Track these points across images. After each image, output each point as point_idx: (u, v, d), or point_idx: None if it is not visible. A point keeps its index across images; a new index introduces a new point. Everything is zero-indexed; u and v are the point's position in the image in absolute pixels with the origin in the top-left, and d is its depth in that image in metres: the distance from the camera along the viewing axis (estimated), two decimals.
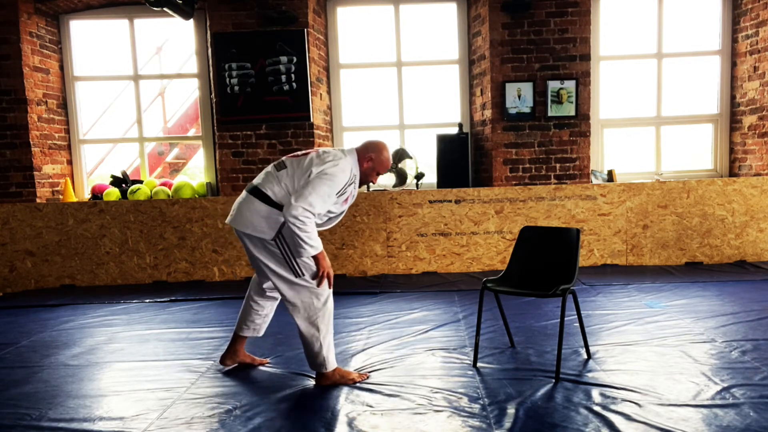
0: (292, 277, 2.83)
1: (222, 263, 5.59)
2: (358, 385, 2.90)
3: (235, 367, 3.24)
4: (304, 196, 2.67)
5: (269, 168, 2.92)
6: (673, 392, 2.67)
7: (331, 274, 2.87)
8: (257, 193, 2.83)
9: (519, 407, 2.57)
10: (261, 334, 3.24)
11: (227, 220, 2.96)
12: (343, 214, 3.01)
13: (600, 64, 5.97)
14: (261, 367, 3.24)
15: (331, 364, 2.91)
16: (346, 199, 2.90)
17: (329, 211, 2.87)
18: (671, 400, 2.58)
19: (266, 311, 3.18)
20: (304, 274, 2.83)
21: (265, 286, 3.10)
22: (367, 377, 2.99)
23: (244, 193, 2.91)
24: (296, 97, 5.66)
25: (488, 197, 5.54)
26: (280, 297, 3.14)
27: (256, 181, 2.91)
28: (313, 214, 2.69)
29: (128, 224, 5.54)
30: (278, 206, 2.79)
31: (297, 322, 2.87)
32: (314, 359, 2.90)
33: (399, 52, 6.03)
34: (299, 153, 2.94)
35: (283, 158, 2.93)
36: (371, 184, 3.07)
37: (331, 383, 2.91)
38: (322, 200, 2.71)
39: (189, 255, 5.58)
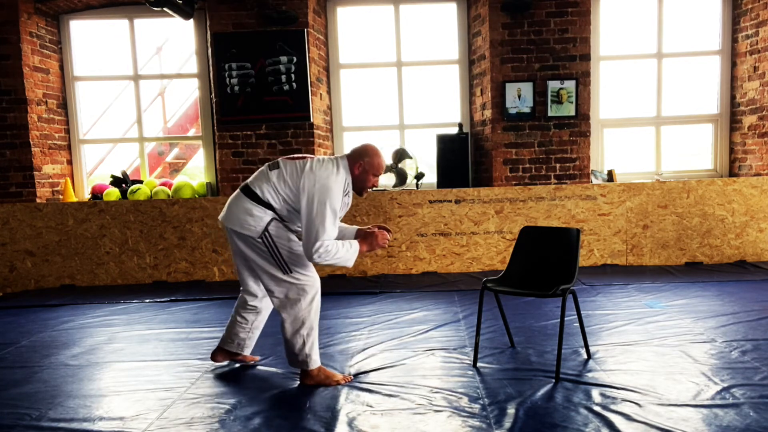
0: (280, 274, 2.85)
1: (222, 263, 5.59)
2: (357, 385, 2.90)
3: (235, 367, 3.24)
4: (312, 232, 2.71)
5: (263, 167, 2.94)
6: (673, 392, 2.67)
7: (381, 242, 2.92)
8: (246, 190, 2.87)
9: (519, 407, 2.57)
10: (245, 351, 3.19)
11: (219, 217, 2.99)
12: (339, 218, 3.01)
13: (600, 64, 5.97)
14: (261, 367, 3.24)
15: (314, 362, 2.91)
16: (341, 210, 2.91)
17: None
18: (671, 400, 2.58)
19: (250, 325, 3.14)
20: (291, 271, 2.84)
21: (247, 296, 3.09)
22: (351, 379, 2.98)
23: (236, 190, 2.94)
24: (296, 97, 5.66)
25: (488, 197, 5.54)
26: (264, 310, 3.15)
27: (249, 179, 2.94)
28: (329, 240, 2.72)
29: (128, 224, 5.54)
30: (265, 204, 2.82)
31: (282, 318, 2.89)
32: (295, 357, 2.90)
33: (399, 52, 6.03)
34: (295, 156, 2.95)
35: (279, 159, 2.95)
36: (373, 187, 3.04)
37: (315, 383, 2.91)
38: (330, 223, 2.74)
39: (189, 255, 5.58)
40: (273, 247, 2.81)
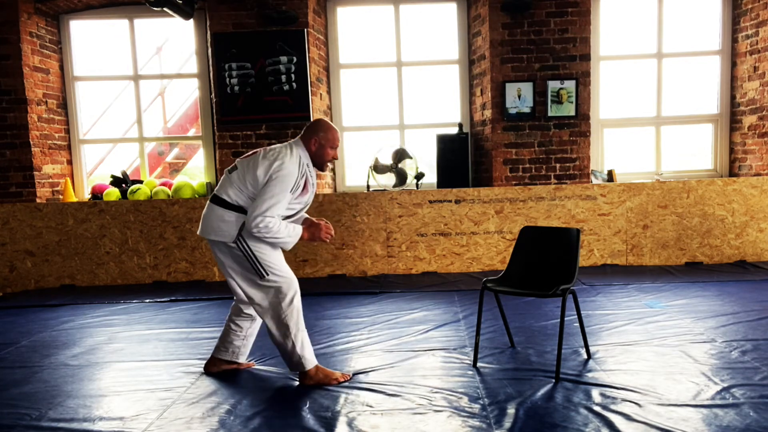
0: (257, 279, 2.88)
1: None
2: (357, 385, 2.90)
3: (234, 368, 3.23)
4: (259, 206, 2.74)
5: (225, 173, 2.98)
6: (673, 392, 2.67)
7: (322, 233, 2.98)
8: (215, 200, 2.91)
9: (519, 407, 2.57)
10: (240, 359, 3.18)
11: (198, 232, 3.01)
12: (309, 205, 3.03)
13: (600, 64, 5.97)
14: (261, 367, 3.24)
15: (309, 362, 2.92)
16: (306, 191, 2.92)
17: (289, 208, 2.88)
18: (671, 400, 2.58)
19: (245, 333, 3.14)
20: (268, 274, 2.86)
21: (241, 305, 3.09)
22: (350, 377, 2.99)
23: (207, 203, 2.97)
24: (296, 97, 5.66)
25: (488, 197, 5.54)
26: (258, 317, 3.13)
27: (215, 189, 2.97)
28: (273, 217, 2.74)
29: (128, 224, 5.54)
30: (235, 208, 2.85)
31: (267, 324, 2.91)
32: (290, 359, 2.92)
33: (399, 52, 6.03)
34: (249, 153, 2.98)
35: (237, 161, 2.98)
36: (333, 161, 3.12)
37: (314, 383, 2.91)
38: (277, 202, 2.76)
39: (189, 255, 5.58)
40: (247, 250, 2.84)
